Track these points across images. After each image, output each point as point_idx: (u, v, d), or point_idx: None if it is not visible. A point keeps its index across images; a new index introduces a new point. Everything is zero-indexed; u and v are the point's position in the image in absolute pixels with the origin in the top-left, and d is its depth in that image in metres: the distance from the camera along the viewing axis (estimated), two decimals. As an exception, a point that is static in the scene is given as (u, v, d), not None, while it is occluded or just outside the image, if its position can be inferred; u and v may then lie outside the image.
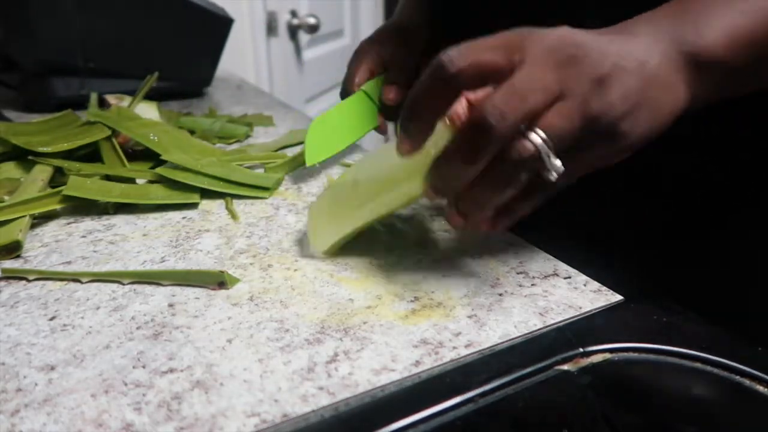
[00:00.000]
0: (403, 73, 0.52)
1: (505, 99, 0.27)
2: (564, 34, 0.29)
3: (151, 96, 0.61)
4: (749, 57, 0.31)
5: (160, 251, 0.38)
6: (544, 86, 0.28)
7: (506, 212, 0.32)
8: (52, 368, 0.27)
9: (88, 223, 0.42)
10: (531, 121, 0.28)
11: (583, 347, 0.27)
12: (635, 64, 0.29)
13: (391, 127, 0.57)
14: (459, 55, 0.28)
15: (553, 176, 0.28)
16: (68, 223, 0.42)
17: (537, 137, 0.28)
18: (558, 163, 0.28)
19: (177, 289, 0.33)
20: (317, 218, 0.37)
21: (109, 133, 0.50)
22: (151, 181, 0.47)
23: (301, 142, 0.58)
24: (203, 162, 0.48)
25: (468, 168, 0.28)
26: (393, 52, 0.53)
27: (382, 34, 0.55)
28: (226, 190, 0.46)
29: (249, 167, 0.51)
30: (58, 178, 0.46)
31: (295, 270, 0.35)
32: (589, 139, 0.29)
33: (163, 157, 0.48)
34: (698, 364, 0.27)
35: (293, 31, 1.38)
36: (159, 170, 0.46)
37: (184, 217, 0.43)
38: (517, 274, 0.34)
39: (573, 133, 0.28)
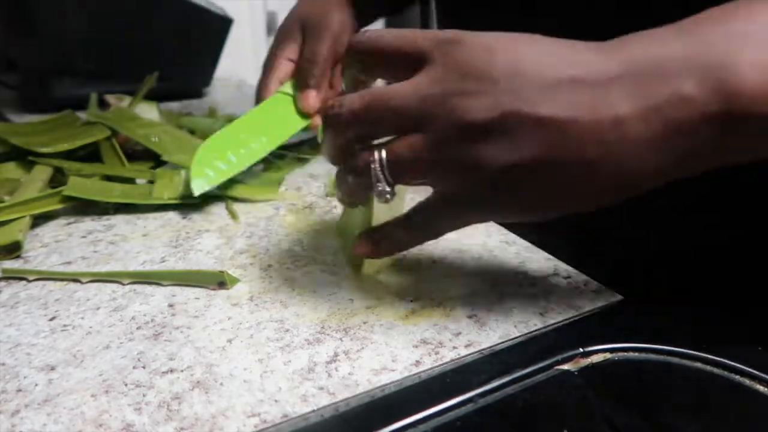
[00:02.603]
0: (316, 70, 0.47)
1: (361, 97, 0.27)
2: (491, 48, 0.25)
3: (151, 96, 0.61)
4: None
5: (160, 251, 0.38)
6: (403, 105, 0.26)
7: (388, 238, 0.31)
8: (52, 368, 0.27)
9: (88, 224, 0.42)
10: (376, 130, 0.28)
11: (583, 347, 0.27)
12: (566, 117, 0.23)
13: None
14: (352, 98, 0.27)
15: (381, 198, 0.28)
16: (68, 223, 0.42)
17: (376, 155, 0.27)
18: (384, 188, 0.28)
19: (177, 289, 0.33)
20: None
21: (109, 133, 0.50)
22: (151, 181, 0.47)
23: (303, 141, 0.58)
24: (203, 162, 0.48)
25: (332, 154, 0.30)
26: (300, 48, 0.48)
27: (284, 32, 0.50)
28: (226, 191, 0.46)
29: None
30: (58, 178, 0.46)
31: (295, 270, 0.35)
32: (453, 188, 0.27)
33: (163, 158, 0.48)
34: (698, 364, 0.27)
35: (293, 31, 1.38)
36: (159, 171, 0.46)
37: (184, 217, 0.43)
38: (517, 274, 0.34)
39: (417, 169, 0.27)
